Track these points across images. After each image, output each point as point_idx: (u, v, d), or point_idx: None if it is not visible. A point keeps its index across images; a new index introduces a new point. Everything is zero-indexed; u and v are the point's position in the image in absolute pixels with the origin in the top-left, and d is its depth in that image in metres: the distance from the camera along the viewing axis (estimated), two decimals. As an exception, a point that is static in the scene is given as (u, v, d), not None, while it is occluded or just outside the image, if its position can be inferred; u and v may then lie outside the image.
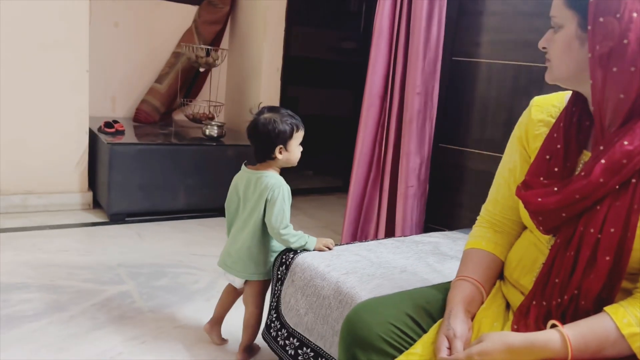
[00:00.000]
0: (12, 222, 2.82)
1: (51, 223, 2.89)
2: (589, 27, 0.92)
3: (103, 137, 3.04)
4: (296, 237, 1.63)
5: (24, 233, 2.72)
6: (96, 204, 3.20)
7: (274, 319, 1.65)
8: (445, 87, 2.39)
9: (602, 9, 0.90)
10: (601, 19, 0.90)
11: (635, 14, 0.88)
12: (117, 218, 3.02)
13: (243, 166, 1.73)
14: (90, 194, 3.19)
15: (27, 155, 2.98)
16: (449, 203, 2.40)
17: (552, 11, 1.00)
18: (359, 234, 2.55)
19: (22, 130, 2.94)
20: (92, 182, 3.21)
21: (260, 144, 1.66)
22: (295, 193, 4.08)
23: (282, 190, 1.63)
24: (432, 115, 2.33)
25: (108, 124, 3.19)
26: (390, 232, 2.41)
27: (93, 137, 3.16)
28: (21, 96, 2.91)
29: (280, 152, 1.65)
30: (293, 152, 1.68)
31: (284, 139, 1.64)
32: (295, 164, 1.71)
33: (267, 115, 1.65)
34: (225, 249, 1.77)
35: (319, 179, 4.37)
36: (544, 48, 1.03)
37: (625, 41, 0.89)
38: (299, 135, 1.68)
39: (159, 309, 2.08)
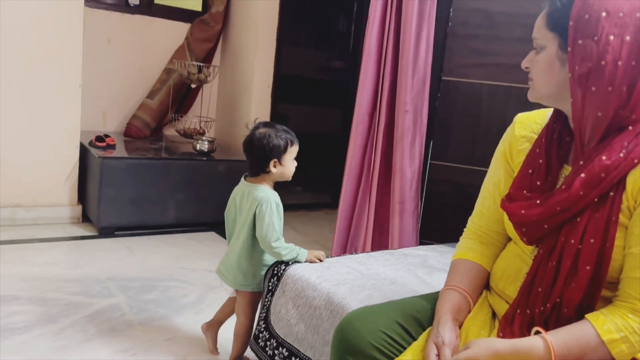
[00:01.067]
0: (1, 235, 2.82)
1: (41, 236, 2.89)
2: (569, 49, 0.98)
3: (94, 151, 3.06)
4: (288, 249, 1.66)
5: (13, 246, 2.72)
6: (86, 218, 3.20)
7: (262, 329, 1.67)
8: (435, 106, 2.46)
9: (581, 31, 0.96)
10: (580, 41, 0.96)
11: (612, 37, 0.94)
12: (106, 232, 3.03)
13: (242, 178, 1.78)
14: (80, 208, 3.20)
15: (17, 168, 2.98)
16: (442, 218, 2.45)
17: (534, 33, 1.05)
18: (348, 248, 2.59)
19: (13, 143, 2.95)
20: (82, 195, 3.21)
21: (255, 157, 1.70)
22: (284, 208, 4.10)
23: (269, 203, 1.66)
24: (422, 133, 2.39)
25: (99, 138, 3.21)
26: (379, 247, 2.45)
27: (84, 151, 3.18)
28: (13, 109, 2.92)
29: (275, 166, 1.69)
30: (287, 166, 1.72)
31: (278, 153, 1.68)
32: (290, 178, 1.75)
33: (262, 130, 1.70)
34: (223, 257, 1.83)
35: (308, 194, 4.41)
36: (526, 68, 1.08)
37: (603, 62, 0.95)
38: (293, 150, 1.72)
39: (149, 322, 2.08)
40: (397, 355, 1.09)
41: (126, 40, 3.74)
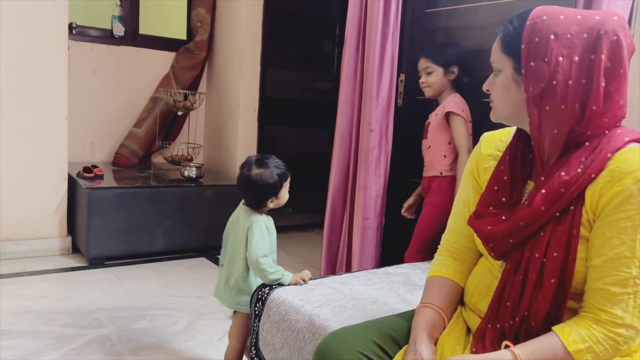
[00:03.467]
0: (-10, 270, 2.82)
1: (30, 269, 2.89)
2: (523, 71, 1.02)
3: (82, 182, 3.08)
4: (273, 269, 1.69)
5: (3, 280, 2.72)
6: (75, 249, 3.21)
7: (253, 355, 1.68)
8: (408, 125, 2.52)
9: (532, 54, 1.01)
10: (532, 63, 1.01)
11: (561, 58, 0.98)
12: (96, 262, 3.04)
13: (241, 203, 1.84)
14: (69, 239, 3.21)
15: (6, 202, 3.00)
16: (407, 235, 2.48)
17: (492, 57, 1.10)
18: (337, 268, 2.61)
19: (1, 176, 2.97)
20: (71, 227, 3.23)
21: (252, 198, 1.78)
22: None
23: (259, 224, 1.72)
24: (388, 151, 2.46)
25: (87, 169, 3.24)
26: (362, 265, 2.48)
27: (72, 183, 3.20)
28: (1, 143, 2.95)
29: (272, 202, 1.77)
30: (282, 197, 1.79)
31: (274, 191, 1.75)
32: (284, 204, 1.83)
33: (256, 171, 1.74)
34: (218, 279, 1.87)
35: (298, 215, 4.43)
36: (487, 90, 1.13)
37: (554, 82, 0.99)
38: (287, 183, 1.79)
39: (139, 351, 2.09)
40: (374, 375, 1.11)
41: (112, 71, 3.79)
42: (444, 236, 1.32)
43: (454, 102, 2.22)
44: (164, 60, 3.95)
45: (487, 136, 1.25)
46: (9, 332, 2.16)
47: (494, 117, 1.14)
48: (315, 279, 1.76)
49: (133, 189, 3.17)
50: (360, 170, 2.45)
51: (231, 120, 3.84)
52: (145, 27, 3.94)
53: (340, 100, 2.58)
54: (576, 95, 0.99)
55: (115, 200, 3.05)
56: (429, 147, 2.31)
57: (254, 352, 1.68)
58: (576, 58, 0.98)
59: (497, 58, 1.08)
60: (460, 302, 1.24)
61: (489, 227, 1.09)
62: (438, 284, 1.24)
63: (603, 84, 0.98)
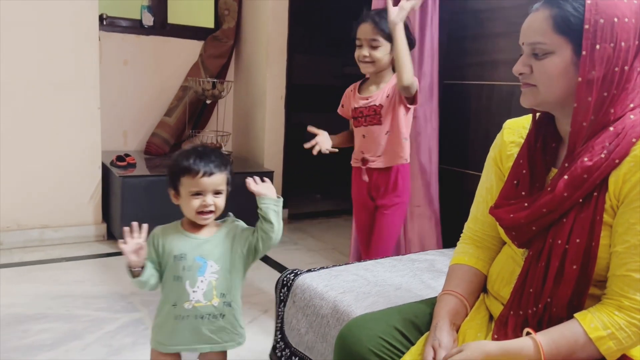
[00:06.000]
0: (31, 256, 2.94)
1: (67, 255, 3.00)
2: (583, 53, 0.97)
3: (115, 171, 3.17)
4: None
5: (42, 266, 2.84)
6: (110, 235, 3.31)
7: (279, 339, 1.71)
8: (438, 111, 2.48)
9: (598, 36, 0.96)
10: (597, 46, 0.96)
11: (623, 43, 0.96)
12: (130, 248, 3.12)
13: None
14: (104, 226, 3.31)
15: (44, 191, 3.11)
16: (453, 224, 2.46)
17: (533, 37, 1.01)
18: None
19: (39, 167, 3.08)
20: (106, 214, 3.33)
21: None
22: (303, 217, 4.15)
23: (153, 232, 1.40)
24: (435, 137, 2.40)
25: (120, 158, 3.32)
26: (395, 252, 2.47)
27: (106, 171, 3.29)
28: (37, 134, 3.05)
29: (174, 197, 1.40)
30: (183, 200, 1.36)
31: (171, 180, 1.38)
32: (195, 219, 1.37)
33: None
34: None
35: (327, 202, 4.45)
36: (521, 74, 1.05)
37: (617, 68, 0.96)
38: (192, 183, 1.33)
39: (171, 335, 2.15)
40: (396, 361, 1.13)
41: (142, 61, 3.86)
42: (466, 224, 1.32)
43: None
44: (193, 49, 4.00)
45: (509, 123, 1.24)
46: (48, 316, 2.26)
47: (531, 102, 1.06)
48: (338, 265, 1.77)
49: (165, 176, 3.23)
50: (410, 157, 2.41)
51: (259, 108, 3.87)
52: (174, 17, 3.99)
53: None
54: (629, 82, 0.97)
55: (148, 188, 3.13)
56: (387, 132, 2.03)
57: (279, 336, 1.71)
58: (636, 42, 0.96)
59: (548, 38, 0.99)
60: (483, 289, 1.24)
61: (511, 215, 1.08)
62: (460, 271, 1.24)
63: None
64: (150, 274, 1.36)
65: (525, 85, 1.06)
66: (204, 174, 1.32)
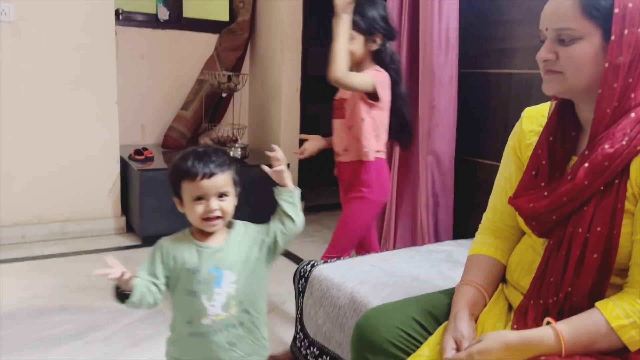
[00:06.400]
0: (52, 249, 2.99)
1: (88, 248, 3.04)
2: (613, 38, 0.95)
3: (133, 164, 3.20)
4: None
5: (64, 258, 2.88)
6: (129, 228, 3.35)
7: (298, 330, 1.73)
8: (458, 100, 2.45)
9: (628, 21, 0.94)
10: (626, 31, 0.94)
11: None
12: (149, 241, 3.16)
13: None
14: (123, 219, 3.35)
15: (64, 185, 3.16)
16: (466, 213, 2.45)
17: (560, 23, 0.99)
18: (381, 245, 2.61)
19: (59, 162, 3.12)
20: (125, 207, 3.37)
21: None
22: (319, 209, 4.14)
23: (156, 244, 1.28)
24: (453, 128, 2.37)
25: (138, 152, 3.36)
26: (409, 244, 2.47)
27: (124, 165, 3.33)
28: (56, 129, 3.10)
29: (180, 205, 1.28)
30: (187, 208, 1.24)
31: (172, 187, 1.27)
32: (202, 227, 1.24)
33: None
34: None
35: (343, 193, 4.44)
36: (546, 61, 1.03)
37: None
38: (193, 187, 1.21)
39: (190, 326, 2.18)
40: (414, 351, 1.12)
41: (159, 55, 3.88)
42: (485, 214, 1.31)
43: (374, 71, 1.89)
44: (208, 42, 4.01)
45: (528, 111, 1.22)
46: (70, 307, 2.30)
47: (557, 89, 1.04)
48: (354, 257, 1.77)
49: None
50: (423, 149, 2.38)
51: (274, 101, 3.87)
52: (189, 10, 4.00)
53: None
54: None
55: (165, 181, 3.13)
56: (349, 127, 1.96)
57: (299, 327, 1.72)
58: None
59: (577, 24, 0.97)
60: (502, 279, 1.23)
61: (530, 205, 1.07)
62: (479, 262, 1.23)
63: None
64: (141, 291, 1.19)
65: (550, 73, 1.03)
66: (204, 176, 1.20)
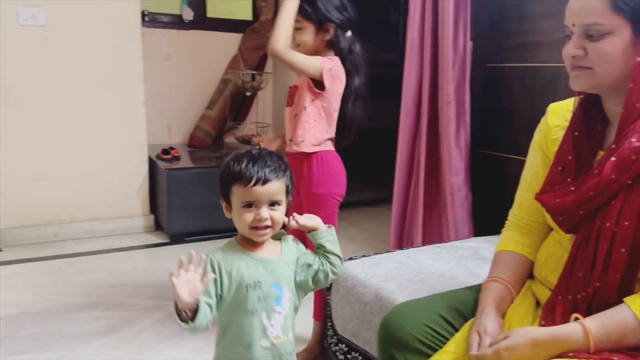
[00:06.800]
0: (83, 247, 3.06)
1: (118, 246, 3.11)
2: None
3: (161, 164, 3.26)
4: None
5: (94, 256, 2.95)
6: (158, 226, 3.41)
7: (328, 326, 1.74)
8: (480, 94, 2.43)
9: None
10: None
11: None
12: (177, 238, 3.21)
13: None
14: (152, 217, 3.41)
15: (94, 185, 3.23)
16: (491, 209, 2.42)
17: (589, 18, 0.98)
18: (404, 242, 2.61)
19: (89, 162, 3.20)
20: (153, 205, 3.43)
21: None
22: (343, 205, 4.14)
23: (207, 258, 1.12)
24: (466, 123, 2.37)
25: (165, 151, 3.41)
26: (431, 240, 2.46)
27: (152, 164, 3.39)
28: (85, 130, 3.17)
29: (227, 210, 1.19)
30: (235, 214, 1.15)
31: (222, 189, 1.18)
32: (250, 236, 1.14)
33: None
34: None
35: (368, 190, 4.44)
36: (574, 57, 1.01)
37: None
38: (244, 193, 1.12)
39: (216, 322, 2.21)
40: (440, 347, 1.13)
41: (184, 56, 3.93)
42: (511, 211, 1.30)
43: (326, 58, 1.78)
44: (232, 41, 4.04)
45: (553, 107, 1.21)
46: (101, 304, 2.36)
47: (586, 84, 1.03)
48: (380, 253, 1.78)
49: (208, 168, 3.31)
50: (441, 144, 2.38)
51: (298, 98, 3.88)
52: (213, 11, 4.04)
53: (406, 72, 2.54)
54: None
55: (192, 180, 3.20)
56: (295, 115, 1.86)
57: (329, 323, 1.73)
58: None
59: (606, 19, 0.96)
60: (530, 275, 1.23)
61: (557, 200, 1.06)
62: (506, 258, 1.22)
63: None
64: (205, 316, 1.06)
65: (578, 69, 1.02)
66: (257, 182, 1.10)
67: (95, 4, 3.08)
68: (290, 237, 1.23)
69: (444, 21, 2.31)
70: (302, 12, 1.78)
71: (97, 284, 2.57)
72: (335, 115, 1.87)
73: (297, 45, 1.81)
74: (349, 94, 1.87)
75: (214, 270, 1.10)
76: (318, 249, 1.22)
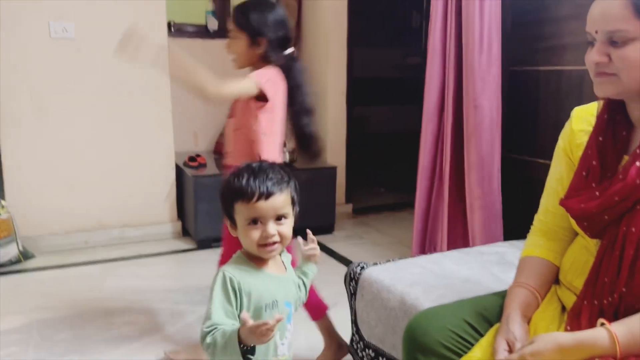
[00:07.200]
0: (113, 253, 3.14)
1: (147, 252, 3.18)
2: None
3: (188, 171, 3.32)
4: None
5: (124, 262, 3.02)
6: (185, 232, 3.47)
7: (354, 332, 1.75)
8: (505, 98, 2.41)
9: None
10: None
11: None
12: (204, 244, 3.26)
13: None
14: (179, 224, 3.48)
15: (124, 193, 3.31)
16: (517, 213, 2.40)
17: (612, 25, 0.98)
18: (427, 247, 2.61)
19: (118, 170, 3.28)
20: (181, 212, 3.49)
21: None
22: (367, 210, 4.14)
23: (217, 275, 1.10)
24: (496, 127, 2.34)
25: (191, 158, 3.48)
26: (458, 245, 2.44)
27: (179, 171, 3.45)
28: (115, 139, 3.25)
29: (232, 228, 1.14)
30: (241, 232, 1.11)
31: (224, 208, 1.14)
32: (259, 253, 1.10)
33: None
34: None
35: (391, 195, 4.44)
36: (597, 64, 1.01)
37: None
38: (247, 209, 1.07)
39: (245, 327, 2.24)
40: (465, 352, 1.13)
41: (209, 64, 3.90)
42: (536, 216, 1.30)
43: (258, 71, 1.76)
44: (256, 49, 4.08)
45: (577, 111, 1.21)
46: (131, 309, 2.41)
47: (611, 91, 1.02)
48: (404, 258, 1.78)
49: (233, 174, 3.35)
50: (469, 148, 2.37)
51: (320, 104, 3.91)
52: (237, 19, 4.09)
53: (428, 76, 2.54)
54: None
55: (218, 186, 3.24)
56: (237, 128, 1.84)
57: (354, 328, 1.74)
58: None
59: (629, 25, 0.95)
60: (555, 280, 1.22)
61: (582, 205, 1.06)
62: (531, 264, 1.22)
63: None
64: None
65: (602, 75, 1.02)
66: (260, 196, 1.06)
67: (123, 17, 3.15)
68: (285, 253, 1.21)
69: (468, 24, 2.30)
70: (236, 21, 1.78)
71: (127, 289, 2.63)
72: (282, 125, 1.84)
73: (232, 55, 1.83)
74: (299, 110, 1.86)
75: (232, 287, 1.06)
76: (299, 277, 1.25)
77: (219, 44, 3.98)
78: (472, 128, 2.34)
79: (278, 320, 0.95)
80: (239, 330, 0.97)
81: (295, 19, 4.03)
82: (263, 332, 0.94)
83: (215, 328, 1.01)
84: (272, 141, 1.81)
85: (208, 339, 1.01)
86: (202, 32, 3.98)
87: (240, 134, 1.83)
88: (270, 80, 1.75)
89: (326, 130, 3.86)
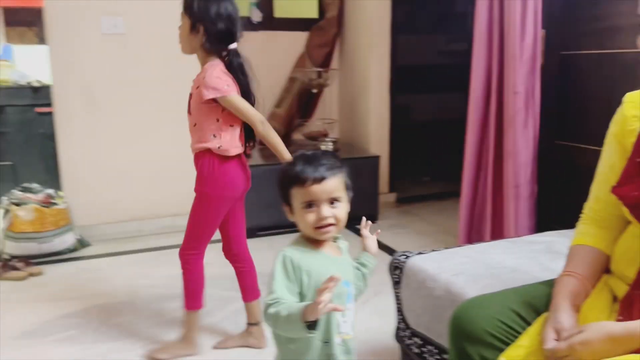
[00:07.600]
0: (165, 241, 3.25)
1: (195, 240, 3.26)
2: None
3: (233, 161, 3.38)
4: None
5: (175, 250, 3.11)
6: (231, 222, 3.54)
7: (400, 320, 1.76)
8: (555, 83, 2.35)
9: None
10: None
11: None
12: (250, 232, 3.30)
13: None
14: (226, 213, 3.55)
15: (173, 182, 3.41)
16: (567, 201, 2.35)
17: None
18: (473, 237, 2.58)
19: (167, 161, 3.38)
20: (227, 202, 3.56)
21: None
22: (412, 200, 4.12)
23: (279, 257, 1.19)
24: (535, 114, 2.30)
25: (237, 149, 3.54)
26: (498, 233, 2.41)
27: (225, 162, 3.52)
28: (163, 131, 3.34)
29: (289, 213, 1.21)
30: (297, 216, 1.17)
31: (282, 194, 1.20)
32: (315, 235, 1.17)
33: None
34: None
35: (437, 184, 4.40)
36: None
37: None
38: (302, 193, 1.14)
39: (291, 314, 2.29)
40: (512, 341, 1.12)
41: (253, 56, 3.98)
42: (586, 204, 1.27)
43: (212, 78, 1.79)
44: (299, 40, 4.11)
45: (630, 96, 1.17)
46: (181, 295, 2.49)
47: None
48: (449, 248, 1.77)
49: (278, 165, 3.34)
50: (506, 136, 2.33)
51: (363, 93, 3.91)
52: (280, 11, 4.13)
53: (474, 63, 2.50)
54: None
55: (263, 176, 3.30)
56: (195, 124, 1.94)
57: (400, 317, 1.75)
58: None
59: None
60: (606, 270, 1.20)
61: (635, 193, 1.04)
62: (581, 252, 1.20)
63: None
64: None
65: None
66: (315, 181, 1.12)
67: (170, 12, 3.21)
68: (341, 237, 1.26)
69: (510, 9, 2.25)
70: (184, 4, 1.80)
71: (178, 276, 2.71)
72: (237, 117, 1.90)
73: (179, 38, 1.86)
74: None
75: (292, 267, 1.14)
76: (358, 269, 1.28)
77: (262, 35, 4.04)
78: (510, 115, 2.30)
79: (331, 281, 1.01)
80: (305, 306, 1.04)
81: (338, 7, 4.02)
82: (322, 294, 1.00)
83: (277, 301, 1.10)
84: (229, 134, 1.92)
85: (271, 310, 1.09)
86: (245, 24, 4.01)
87: (195, 129, 1.96)
88: (226, 82, 1.83)
89: (369, 119, 3.85)
